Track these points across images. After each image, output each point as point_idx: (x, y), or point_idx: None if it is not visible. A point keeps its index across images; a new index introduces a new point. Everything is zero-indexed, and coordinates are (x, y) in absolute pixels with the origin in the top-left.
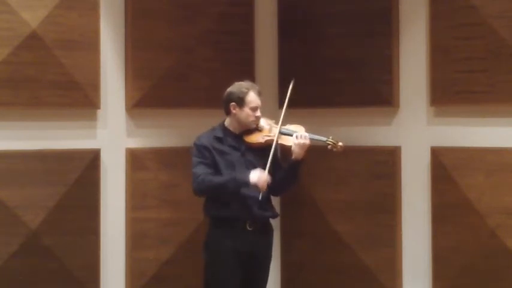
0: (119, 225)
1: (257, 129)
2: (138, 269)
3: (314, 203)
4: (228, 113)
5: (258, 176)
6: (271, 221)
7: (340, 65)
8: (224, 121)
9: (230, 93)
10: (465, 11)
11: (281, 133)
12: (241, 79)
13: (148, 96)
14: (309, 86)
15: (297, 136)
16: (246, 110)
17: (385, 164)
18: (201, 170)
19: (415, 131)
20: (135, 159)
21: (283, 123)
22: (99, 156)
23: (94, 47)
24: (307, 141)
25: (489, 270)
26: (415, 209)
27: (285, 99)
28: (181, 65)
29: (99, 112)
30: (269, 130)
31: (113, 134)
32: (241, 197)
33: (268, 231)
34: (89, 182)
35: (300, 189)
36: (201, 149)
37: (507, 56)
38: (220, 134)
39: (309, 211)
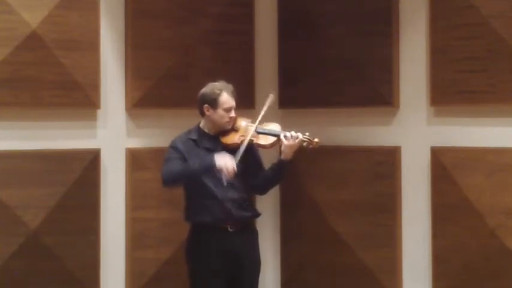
0: (119, 225)
1: (233, 129)
2: (138, 269)
3: (314, 203)
4: (202, 114)
5: (225, 162)
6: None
7: (340, 65)
8: (199, 123)
9: (203, 95)
10: (465, 11)
11: (258, 132)
12: (241, 79)
13: (148, 96)
14: (309, 86)
15: (285, 136)
16: (220, 111)
17: (385, 164)
18: (168, 164)
19: (415, 131)
20: (135, 159)
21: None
22: (99, 156)
23: (94, 47)
24: (297, 142)
25: (489, 270)
26: (415, 209)
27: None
28: (181, 65)
29: (99, 112)
30: (245, 130)
31: (112, 134)
32: (220, 199)
33: (251, 231)
34: (88, 182)
35: (299, 189)
36: (175, 149)
37: (507, 56)
38: (195, 137)
39: (309, 211)
